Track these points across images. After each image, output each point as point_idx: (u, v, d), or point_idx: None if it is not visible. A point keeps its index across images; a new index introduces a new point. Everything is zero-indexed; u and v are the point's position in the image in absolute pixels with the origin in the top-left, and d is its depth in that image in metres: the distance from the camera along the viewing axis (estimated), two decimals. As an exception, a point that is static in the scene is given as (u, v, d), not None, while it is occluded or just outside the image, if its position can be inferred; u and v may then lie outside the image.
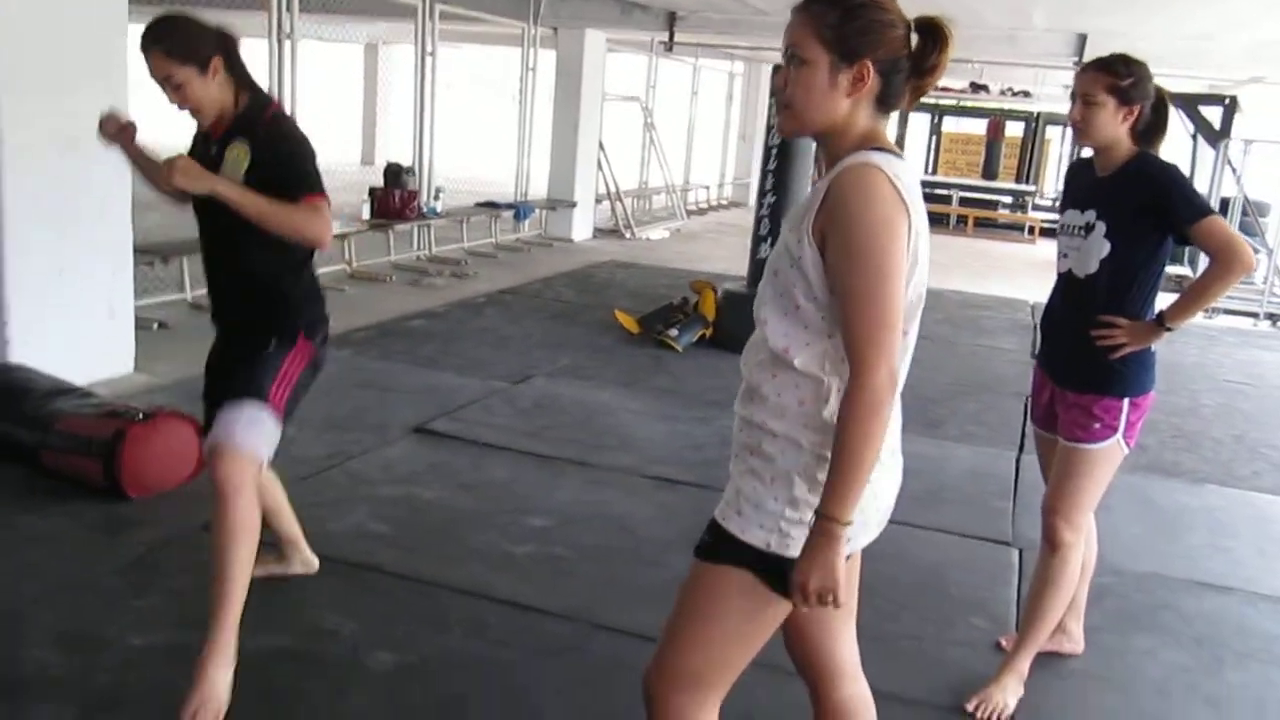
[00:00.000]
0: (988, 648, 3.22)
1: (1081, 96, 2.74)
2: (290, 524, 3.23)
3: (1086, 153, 2.92)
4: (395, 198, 9.24)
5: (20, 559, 3.32)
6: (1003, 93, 17.53)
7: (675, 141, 16.51)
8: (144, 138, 2.86)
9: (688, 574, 1.80)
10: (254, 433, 2.59)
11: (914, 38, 1.70)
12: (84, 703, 2.58)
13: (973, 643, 3.27)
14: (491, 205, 11.07)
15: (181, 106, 2.62)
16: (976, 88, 17.19)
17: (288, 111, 2.80)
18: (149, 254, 6.73)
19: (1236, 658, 3.32)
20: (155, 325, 6.42)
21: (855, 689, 2.03)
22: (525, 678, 2.87)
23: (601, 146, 12.79)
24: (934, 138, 19.88)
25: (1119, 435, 2.81)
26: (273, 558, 3.21)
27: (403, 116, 11.05)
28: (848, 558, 1.80)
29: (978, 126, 19.91)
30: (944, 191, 17.49)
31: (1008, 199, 18.09)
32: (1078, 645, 3.23)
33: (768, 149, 7.08)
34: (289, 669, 2.80)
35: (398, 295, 8.22)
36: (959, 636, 3.32)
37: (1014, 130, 19.12)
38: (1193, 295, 2.73)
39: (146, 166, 2.82)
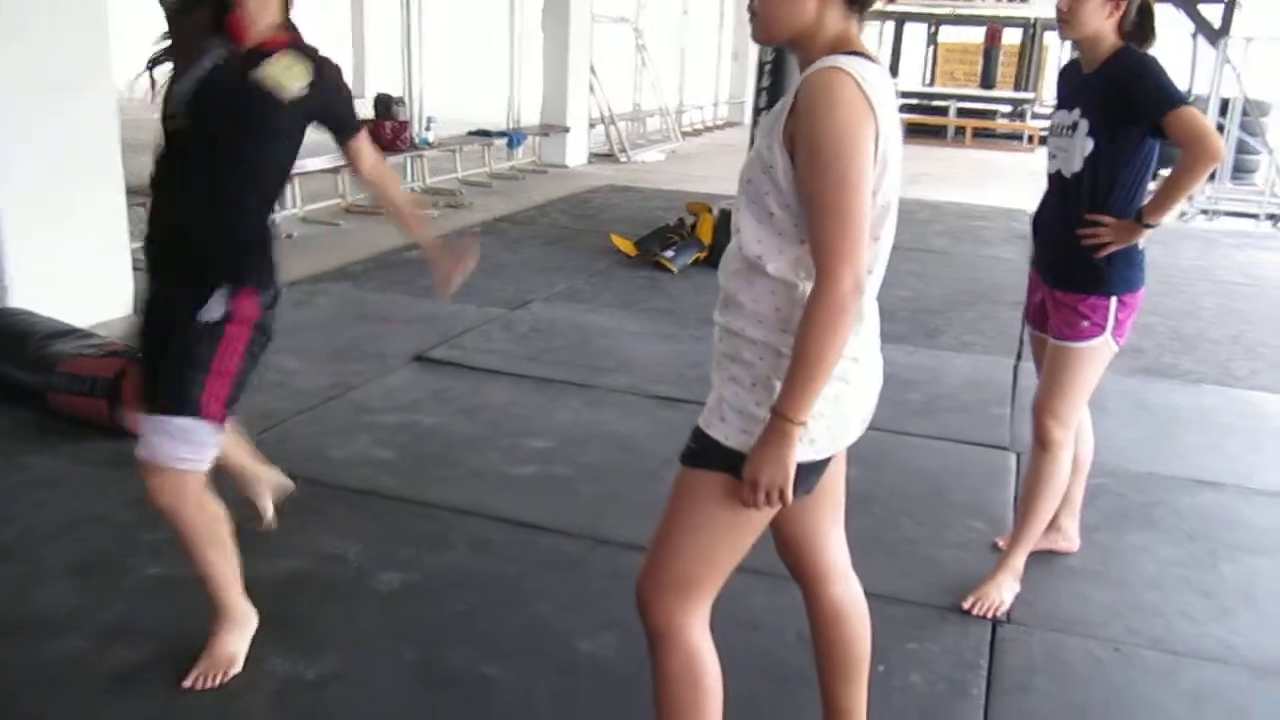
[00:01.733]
0: (984, 549, 3.28)
1: None
2: (253, 473, 2.97)
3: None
4: (386, 129, 9.15)
5: (31, 497, 3.38)
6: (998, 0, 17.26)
7: (668, 63, 16.30)
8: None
9: (674, 481, 1.84)
10: (182, 449, 2.33)
11: None
12: (99, 633, 2.64)
13: (970, 544, 3.33)
14: (484, 134, 10.98)
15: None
16: (972, -6, 16.91)
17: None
18: (142, 195, 6.71)
19: (1229, 550, 3.37)
20: (152, 266, 6.42)
21: (846, 587, 2.08)
22: (530, 591, 2.94)
23: (593, 70, 12.64)
24: (931, 48, 19.64)
25: (1108, 333, 2.83)
26: (256, 513, 2.99)
27: (391, 47, 10.92)
28: (830, 459, 1.84)
29: (975, 35, 19.64)
30: (941, 102, 17.34)
31: (1006, 108, 17.91)
32: (1073, 543, 3.29)
33: (760, 66, 7.00)
34: (298, 593, 2.86)
35: (392, 228, 8.16)
36: (956, 539, 3.37)
37: (1011, 38, 18.88)
38: (1166, 189, 2.73)
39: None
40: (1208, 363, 5.49)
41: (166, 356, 2.36)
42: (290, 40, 2.43)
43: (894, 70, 18.57)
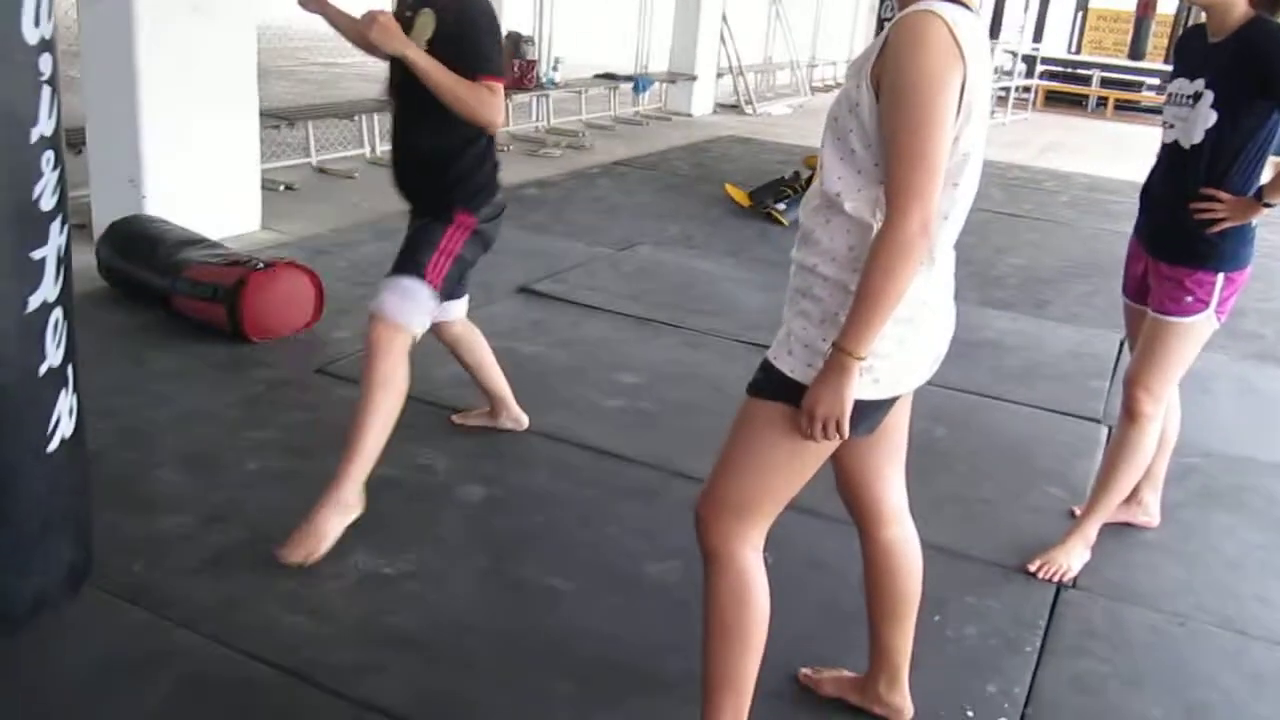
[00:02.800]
0: (1061, 516, 3.26)
1: None
2: (496, 381, 3.44)
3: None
4: (514, 67, 9.29)
5: (151, 391, 3.62)
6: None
7: (804, 15, 16.06)
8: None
9: (739, 409, 1.90)
10: (405, 305, 2.77)
11: None
12: (202, 515, 2.86)
13: (1047, 510, 3.32)
14: (610, 77, 11.04)
15: None
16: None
17: None
18: (276, 118, 6.99)
19: (1319, 539, 3.29)
20: (281, 187, 6.71)
21: (900, 531, 2.12)
22: (603, 515, 3.05)
23: (725, 20, 12.56)
24: (1079, 14, 18.89)
25: (1211, 309, 2.77)
26: (485, 411, 3.51)
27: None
28: (894, 400, 1.88)
29: (1127, 2, 18.80)
30: (1085, 71, 16.68)
31: (1154, 80, 17.15)
32: (1154, 518, 3.25)
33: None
34: (387, 497, 3.01)
35: (514, 164, 8.34)
36: (1034, 504, 3.36)
37: (1166, 7, 18.01)
38: None
39: (348, 25, 2.96)
40: (1332, 353, 5.28)
41: (403, 246, 2.87)
42: None
43: (1038, 35, 17.97)
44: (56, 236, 2.17)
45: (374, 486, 2.84)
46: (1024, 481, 3.51)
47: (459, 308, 3.25)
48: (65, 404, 2.30)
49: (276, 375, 3.83)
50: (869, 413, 1.82)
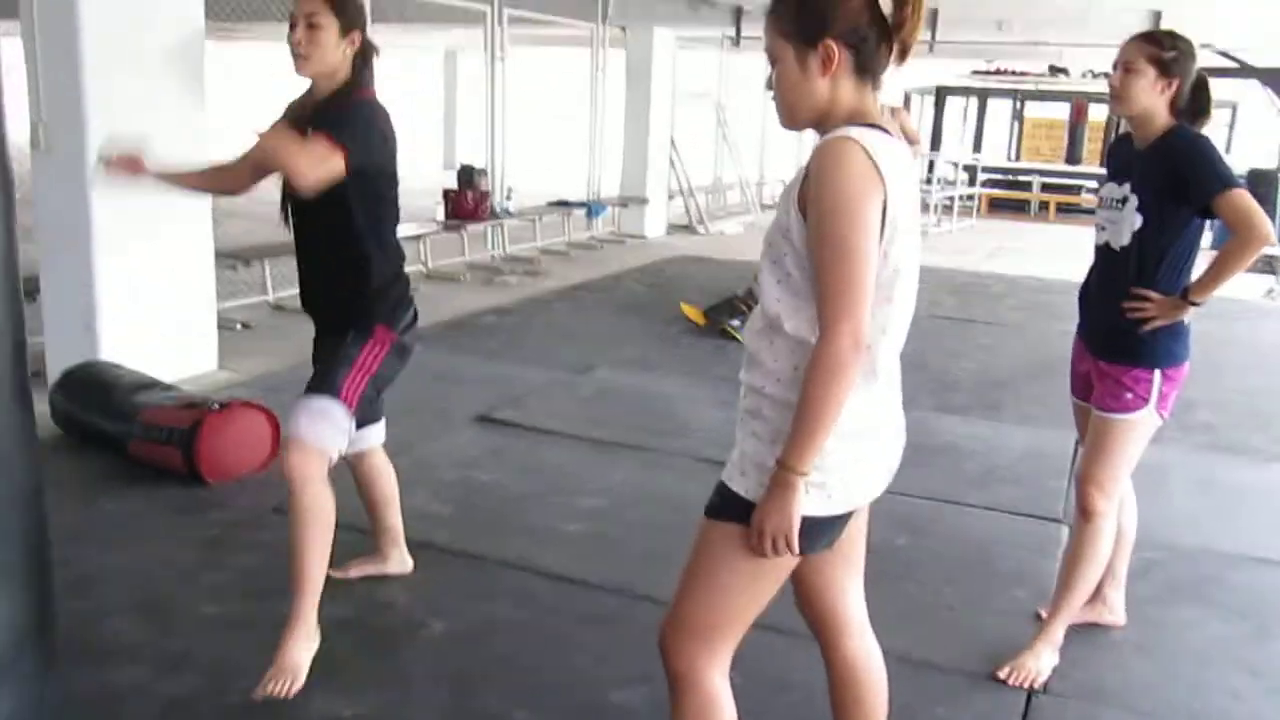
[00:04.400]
0: (1027, 618, 3.25)
1: (1123, 64, 2.78)
2: (394, 517, 3.33)
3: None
4: (469, 198, 9.48)
5: (105, 536, 3.57)
6: (1084, 75, 17.18)
7: (749, 135, 16.53)
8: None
9: (697, 532, 1.90)
10: (321, 426, 2.71)
11: (883, 1, 1.75)
12: (157, 665, 2.79)
13: (1012, 613, 3.31)
14: (564, 204, 11.27)
15: (296, 48, 2.68)
16: (1056, 70, 16.89)
17: (378, 101, 2.78)
18: (232, 258, 7.05)
19: (1283, 629, 3.30)
20: (238, 325, 6.73)
21: (862, 643, 2.11)
22: (570, 642, 3.01)
23: (673, 143, 12.90)
24: (1016, 124, 19.57)
25: (1151, 406, 2.83)
26: (369, 557, 3.35)
27: (477, 120, 11.31)
28: (853, 514, 1.90)
29: (1060, 111, 19.53)
30: (1024, 178, 17.22)
31: (1092, 183, 17.72)
32: (1119, 616, 3.25)
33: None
34: (346, 636, 2.97)
35: (471, 293, 8.44)
36: (999, 607, 3.36)
37: (1097, 113, 18.72)
38: (1214, 270, 2.74)
39: (172, 180, 2.96)
40: (1281, 441, 5.37)
41: (316, 368, 2.84)
42: (325, 101, 2.75)
43: (977, 146, 18.57)
44: None
45: (332, 626, 2.80)
46: (988, 586, 3.51)
47: (377, 433, 3.19)
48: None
49: (233, 516, 3.79)
50: (825, 528, 1.83)
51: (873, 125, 1.76)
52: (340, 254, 2.79)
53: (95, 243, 4.97)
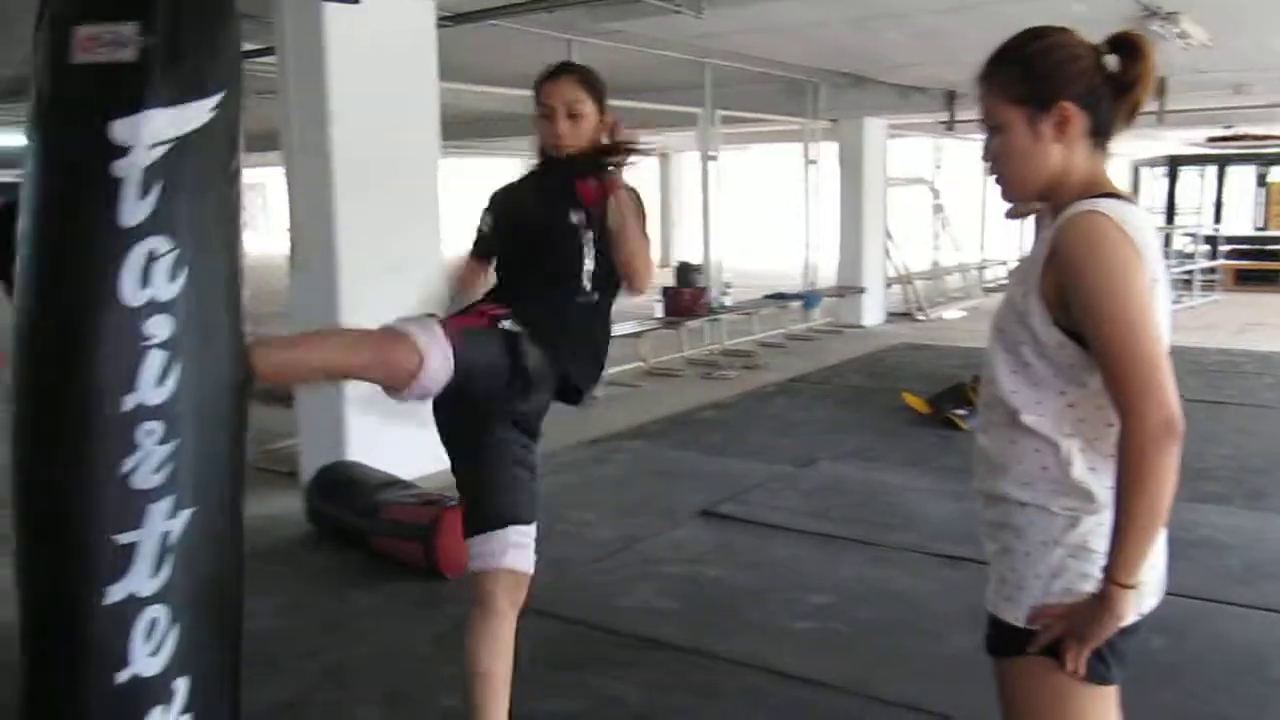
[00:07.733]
0: (1309, 732, 2.95)
1: None
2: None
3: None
4: (686, 295, 9.65)
5: (352, 628, 3.76)
6: (1336, 136, 15.99)
7: (968, 218, 16.19)
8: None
9: (997, 676, 1.76)
10: (522, 555, 2.70)
11: (1108, 59, 1.66)
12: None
13: (1291, 726, 3.01)
14: (780, 296, 11.29)
15: (557, 142, 2.51)
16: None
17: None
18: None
19: None
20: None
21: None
22: (800, 746, 2.93)
23: (888, 232, 12.78)
24: (1262, 189, 18.36)
25: None
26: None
27: (693, 219, 11.58)
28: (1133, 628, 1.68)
29: (1312, 174, 18.20)
30: (1273, 246, 16.07)
31: (1350, 250, 16.37)
32: None
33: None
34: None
35: (690, 388, 8.53)
36: (1277, 717, 3.06)
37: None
38: None
39: None
40: None
41: (494, 485, 2.75)
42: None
43: (1218, 217, 17.50)
44: (160, 521, 1.77)
45: (562, 720, 2.83)
46: (1261, 695, 3.20)
47: None
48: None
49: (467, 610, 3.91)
50: (1129, 636, 1.66)
51: (1112, 194, 1.65)
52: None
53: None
